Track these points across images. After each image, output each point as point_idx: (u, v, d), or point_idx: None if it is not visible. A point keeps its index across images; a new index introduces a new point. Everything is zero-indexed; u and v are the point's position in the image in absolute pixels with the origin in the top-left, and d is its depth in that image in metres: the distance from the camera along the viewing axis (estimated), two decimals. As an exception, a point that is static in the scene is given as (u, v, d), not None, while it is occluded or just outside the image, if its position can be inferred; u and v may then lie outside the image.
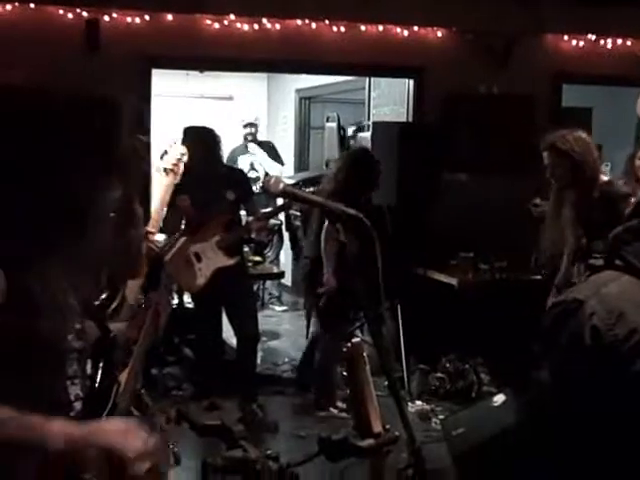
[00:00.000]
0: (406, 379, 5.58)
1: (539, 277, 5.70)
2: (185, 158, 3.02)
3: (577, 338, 1.62)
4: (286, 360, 6.62)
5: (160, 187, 3.01)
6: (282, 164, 8.45)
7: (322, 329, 5.46)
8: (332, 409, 5.32)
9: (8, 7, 5.90)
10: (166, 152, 3.09)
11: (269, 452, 1.80)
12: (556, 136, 4.46)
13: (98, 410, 2.04)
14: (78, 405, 1.93)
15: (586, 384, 1.63)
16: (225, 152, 6.19)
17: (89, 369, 2.03)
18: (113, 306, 2.46)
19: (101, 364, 2.08)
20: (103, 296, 2.44)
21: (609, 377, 1.61)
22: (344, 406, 5.18)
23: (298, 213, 6.74)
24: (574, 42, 7.12)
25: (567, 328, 1.65)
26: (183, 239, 2.33)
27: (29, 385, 1.78)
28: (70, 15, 5.98)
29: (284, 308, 8.51)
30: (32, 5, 5.91)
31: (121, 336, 2.25)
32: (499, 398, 4.04)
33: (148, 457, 1.69)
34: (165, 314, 2.34)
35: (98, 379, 2.05)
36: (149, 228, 2.93)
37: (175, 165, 2.99)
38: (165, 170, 3.00)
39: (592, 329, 1.61)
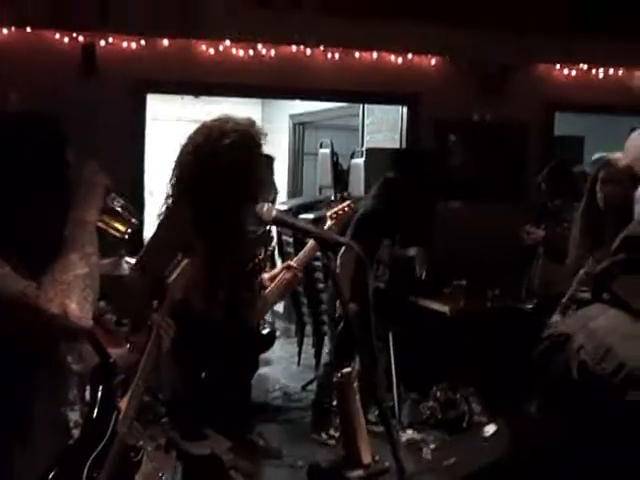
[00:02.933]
0: (397, 408, 5.55)
1: (530, 306, 5.71)
2: (347, 210, 3.35)
3: (565, 372, 1.62)
4: (277, 387, 6.58)
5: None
6: (276, 193, 8.44)
7: (336, 356, 5.41)
8: (324, 435, 5.30)
9: (5, 31, 5.92)
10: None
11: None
12: None
13: (97, 438, 2.02)
14: (76, 432, 1.92)
15: (574, 417, 1.63)
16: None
17: (88, 395, 2.03)
18: None
19: (100, 390, 2.07)
20: None
21: (598, 410, 1.61)
22: (336, 434, 5.15)
23: (290, 239, 6.74)
24: (566, 71, 7.18)
25: (555, 362, 1.65)
26: (186, 260, 2.34)
27: (29, 408, 1.78)
28: (66, 39, 6.00)
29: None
30: (29, 29, 5.94)
31: (122, 361, 2.24)
32: (490, 428, 4.02)
33: None
34: (168, 338, 2.33)
35: (97, 406, 2.04)
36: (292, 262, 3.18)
37: (336, 213, 3.30)
38: (330, 217, 3.32)
39: (580, 363, 1.61)
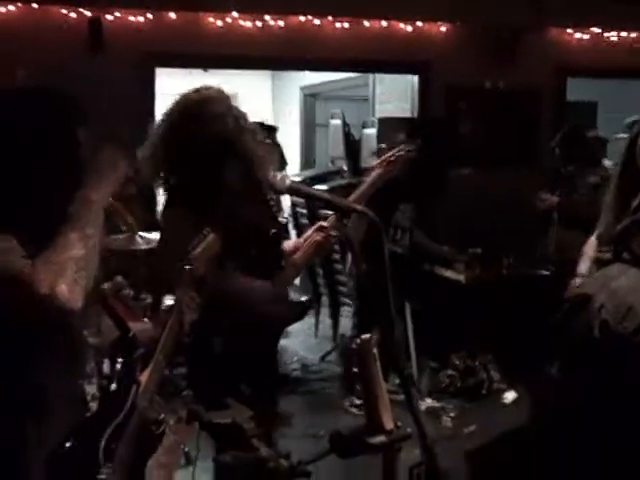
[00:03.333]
0: (416, 376, 5.56)
1: (547, 272, 5.69)
2: (400, 156, 3.12)
3: (586, 331, 1.61)
4: (295, 359, 6.60)
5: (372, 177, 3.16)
6: (285, 164, 8.39)
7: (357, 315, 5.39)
8: (347, 402, 5.29)
9: (11, 7, 5.89)
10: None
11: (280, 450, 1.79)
12: None
13: (115, 410, 2.02)
14: (94, 405, 1.93)
15: (596, 376, 1.61)
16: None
17: (107, 369, 2.03)
18: None
19: (119, 363, 2.07)
20: None
21: (619, 368, 1.60)
22: (358, 402, 5.16)
23: (304, 211, 6.72)
24: (579, 35, 7.09)
25: (576, 322, 1.64)
26: (212, 235, 2.32)
27: (44, 379, 1.78)
28: (73, 14, 5.97)
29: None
30: (35, 5, 5.90)
31: (142, 335, 2.23)
32: (509, 395, 4.03)
33: None
34: (191, 313, 2.31)
35: (116, 379, 2.04)
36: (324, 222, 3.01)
37: (387, 161, 3.10)
38: (380, 164, 3.14)
39: (602, 323, 1.59)
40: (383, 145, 6.01)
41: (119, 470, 1.97)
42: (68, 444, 1.88)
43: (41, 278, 1.68)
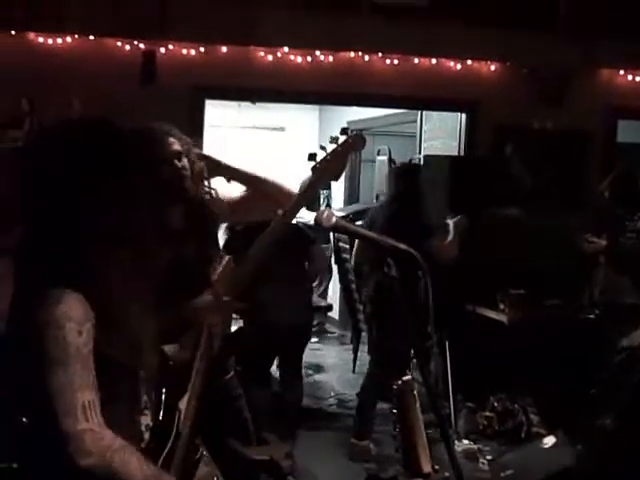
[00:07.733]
0: (453, 417, 5.48)
1: (592, 316, 5.59)
2: None
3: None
4: (332, 394, 6.57)
5: None
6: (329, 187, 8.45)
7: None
8: (363, 443, 5.17)
9: (68, 39, 6.04)
10: None
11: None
12: None
13: (164, 439, 2.03)
14: (147, 435, 1.94)
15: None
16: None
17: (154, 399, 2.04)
18: None
19: (164, 391, 2.08)
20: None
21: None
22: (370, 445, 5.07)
23: (347, 246, 6.73)
24: (630, 77, 7.03)
25: (634, 374, 1.60)
26: (227, 257, 2.36)
27: (110, 418, 1.79)
28: (127, 47, 6.10)
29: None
30: (91, 37, 6.04)
31: (176, 358, 2.24)
32: (549, 440, 3.95)
33: None
34: (219, 336, 2.33)
35: (162, 407, 2.05)
36: None
37: None
38: None
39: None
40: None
41: None
42: None
43: None
